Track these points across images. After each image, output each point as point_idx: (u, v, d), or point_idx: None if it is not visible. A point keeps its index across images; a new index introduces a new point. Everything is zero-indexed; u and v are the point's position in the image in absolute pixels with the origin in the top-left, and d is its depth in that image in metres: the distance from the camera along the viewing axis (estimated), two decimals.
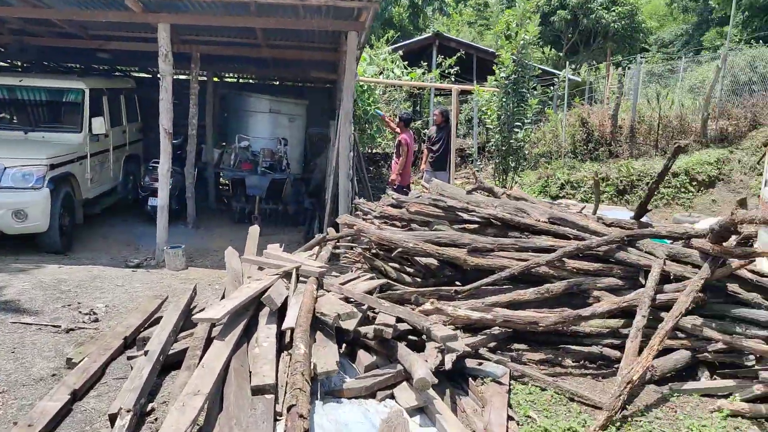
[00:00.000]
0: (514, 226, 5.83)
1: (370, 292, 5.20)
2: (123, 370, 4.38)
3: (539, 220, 5.77)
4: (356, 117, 10.13)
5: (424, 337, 4.55)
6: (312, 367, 3.45)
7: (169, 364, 4.20)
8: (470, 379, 4.36)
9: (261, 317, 4.23)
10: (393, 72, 13.82)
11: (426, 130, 16.18)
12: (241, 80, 15.05)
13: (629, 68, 20.71)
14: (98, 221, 9.62)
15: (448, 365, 3.95)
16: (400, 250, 5.79)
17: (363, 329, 4.15)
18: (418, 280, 6.17)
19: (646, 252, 5.34)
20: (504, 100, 10.80)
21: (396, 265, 6.37)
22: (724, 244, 4.91)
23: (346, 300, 4.80)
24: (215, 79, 13.03)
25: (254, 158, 10.11)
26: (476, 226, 6.12)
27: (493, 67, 10.97)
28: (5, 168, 7.42)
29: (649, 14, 36.04)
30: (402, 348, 4.04)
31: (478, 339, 4.88)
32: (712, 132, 13.82)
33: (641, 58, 15.55)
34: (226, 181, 11.76)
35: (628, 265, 5.33)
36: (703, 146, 13.79)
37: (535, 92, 11.47)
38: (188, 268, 7.52)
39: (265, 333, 3.97)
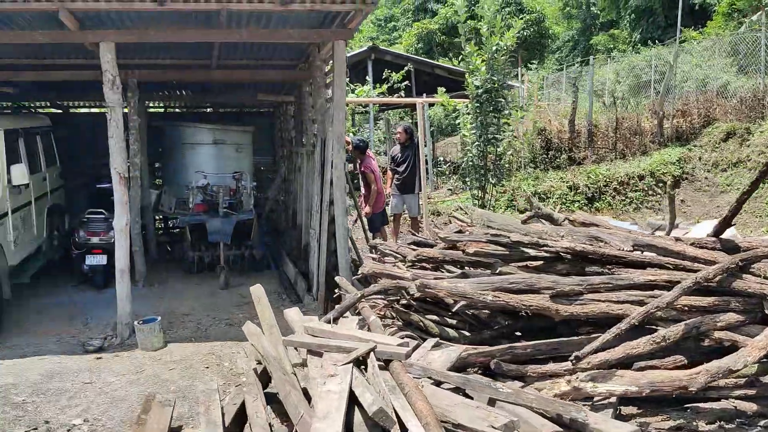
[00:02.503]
0: (595, 260, 4.84)
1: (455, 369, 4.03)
2: None
3: (623, 249, 4.80)
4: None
5: None
6: None
7: None
8: None
9: None
10: None
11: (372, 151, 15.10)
12: (168, 109, 13.35)
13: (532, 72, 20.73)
14: (27, 292, 7.79)
15: None
16: (463, 303, 4.65)
17: None
18: (466, 333, 5.08)
19: (764, 277, 4.48)
20: (478, 111, 9.90)
21: (435, 317, 5.26)
22: None
23: (436, 384, 3.63)
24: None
25: (211, 198, 8.60)
26: (540, 263, 5.09)
27: (465, 75, 10.05)
28: None
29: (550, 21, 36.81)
30: None
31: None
32: (668, 131, 13.59)
33: (593, 59, 15.22)
34: (178, 228, 10.11)
35: (747, 295, 4.45)
36: (662, 146, 13.54)
37: (508, 102, 10.67)
38: (167, 344, 5.95)
39: None
